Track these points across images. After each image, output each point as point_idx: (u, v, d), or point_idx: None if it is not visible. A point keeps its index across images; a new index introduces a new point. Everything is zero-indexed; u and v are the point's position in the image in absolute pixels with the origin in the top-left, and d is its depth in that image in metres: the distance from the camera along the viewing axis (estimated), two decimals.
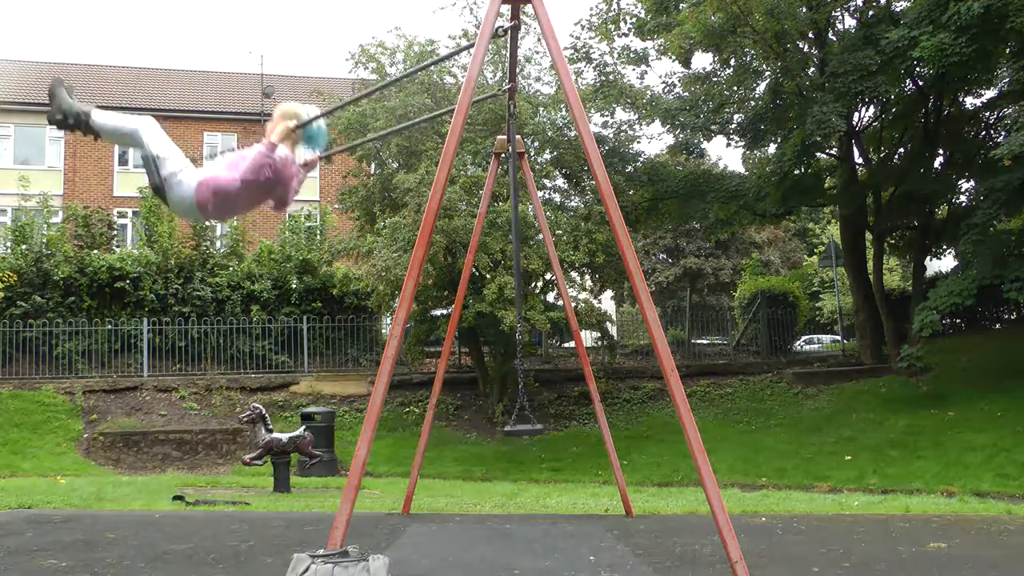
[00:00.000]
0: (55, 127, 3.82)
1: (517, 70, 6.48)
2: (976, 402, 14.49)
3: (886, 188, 19.06)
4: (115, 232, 22.25)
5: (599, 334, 18.57)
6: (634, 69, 19.94)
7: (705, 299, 31.44)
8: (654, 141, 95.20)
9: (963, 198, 19.33)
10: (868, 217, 19.49)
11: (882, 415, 15.21)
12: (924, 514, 7.16)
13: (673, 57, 18.75)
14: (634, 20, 19.10)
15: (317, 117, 4.06)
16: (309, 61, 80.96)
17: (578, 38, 19.21)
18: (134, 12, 77.32)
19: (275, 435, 9.97)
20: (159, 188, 3.81)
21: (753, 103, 18.97)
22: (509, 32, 5.22)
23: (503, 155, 7.14)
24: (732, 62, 19.01)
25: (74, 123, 3.76)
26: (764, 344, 22.18)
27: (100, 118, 3.80)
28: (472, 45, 4.65)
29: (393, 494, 9.65)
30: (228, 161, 3.91)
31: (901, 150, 19.93)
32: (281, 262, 20.18)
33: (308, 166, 4.20)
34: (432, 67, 17.25)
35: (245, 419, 10.14)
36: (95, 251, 19.62)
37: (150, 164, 3.77)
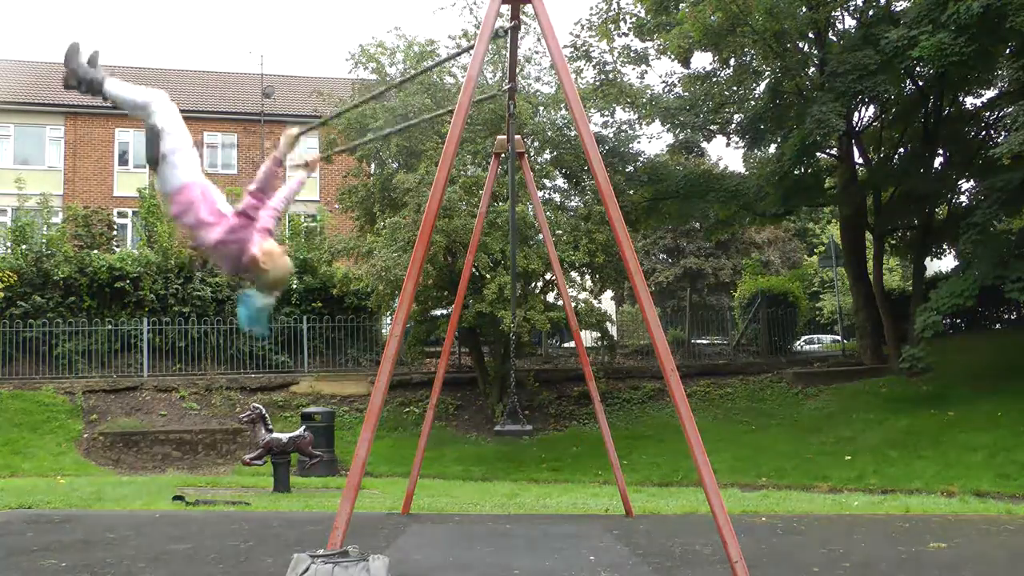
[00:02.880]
0: (70, 89, 3.83)
1: (517, 70, 6.48)
2: (976, 402, 14.47)
3: (886, 188, 19.05)
4: (115, 232, 22.27)
5: (599, 334, 18.57)
6: (634, 69, 19.95)
7: (705, 299, 31.43)
8: (654, 141, 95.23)
9: (963, 198, 19.34)
10: (868, 217, 19.48)
11: (882, 415, 15.21)
12: (924, 514, 7.16)
13: (672, 57, 18.74)
14: (634, 20, 19.09)
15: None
16: (309, 61, 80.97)
17: (578, 36, 19.22)
18: (135, 12, 77.33)
19: (275, 435, 9.97)
20: (154, 161, 3.79)
21: (753, 103, 18.96)
22: (509, 32, 5.22)
23: (503, 155, 7.14)
24: (732, 62, 19.01)
25: (87, 89, 3.78)
26: (764, 344, 22.18)
27: (113, 87, 3.83)
28: (472, 46, 4.65)
29: (393, 494, 9.65)
30: (218, 206, 3.82)
31: (901, 150, 19.91)
32: None
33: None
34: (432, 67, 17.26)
35: (245, 419, 10.14)
36: (95, 251, 19.63)
37: (153, 136, 3.77)
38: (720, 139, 19.70)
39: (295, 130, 4.14)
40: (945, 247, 20.72)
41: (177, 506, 8.20)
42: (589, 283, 20.29)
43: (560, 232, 16.43)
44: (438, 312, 17.48)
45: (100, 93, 3.82)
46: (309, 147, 29.03)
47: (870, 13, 17.37)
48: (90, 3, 77.04)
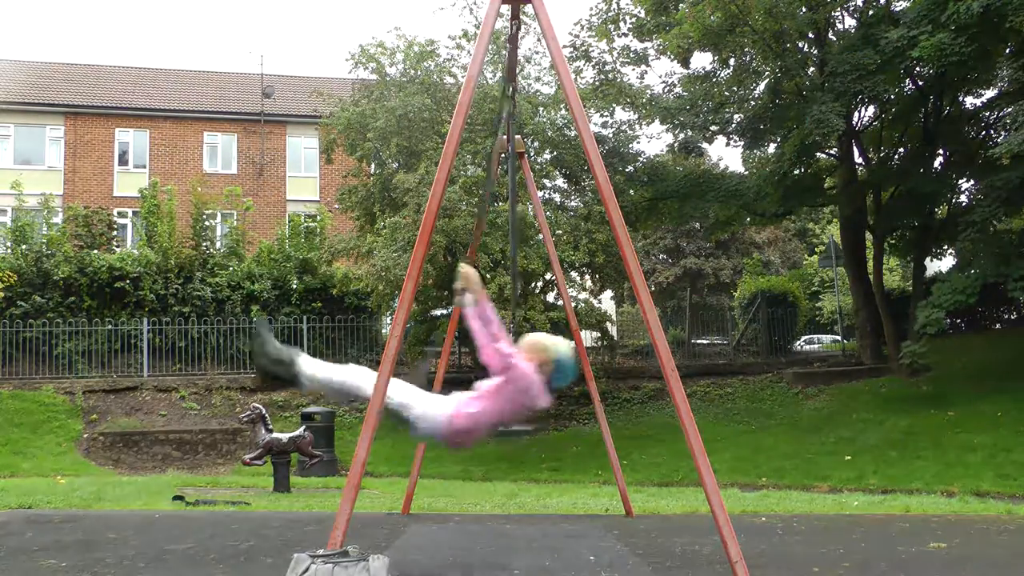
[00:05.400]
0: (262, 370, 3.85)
1: (517, 70, 6.48)
2: (976, 402, 14.47)
3: (886, 188, 19.04)
4: (115, 232, 22.26)
5: (599, 334, 18.57)
6: (634, 69, 19.95)
7: (705, 299, 31.43)
8: (654, 141, 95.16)
9: (963, 198, 19.33)
10: (868, 217, 19.48)
11: (882, 415, 15.20)
12: (924, 514, 7.15)
13: (672, 57, 18.75)
14: (633, 20, 19.09)
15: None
16: (309, 61, 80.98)
17: (577, 36, 19.22)
18: (134, 12, 77.33)
19: (275, 435, 9.96)
20: (414, 428, 3.84)
21: (753, 103, 18.96)
22: (509, 32, 5.22)
23: (503, 155, 7.13)
24: (731, 62, 19.01)
25: (284, 374, 3.76)
26: (764, 344, 22.18)
27: (311, 372, 3.82)
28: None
29: (393, 494, 9.65)
30: (482, 391, 3.83)
31: (901, 150, 19.91)
32: (281, 262, 20.17)
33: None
34: (432, 67, 17.28)
35: (245, 419, 10.13)
36: (95, 251, 19.64)
37: (395, 414, 3.79)
38: (720, 139, 19.67)
39: (470, 269, 3.93)
40: (945, 247, 20.72)
41: (177, 506, 8.19)
42: (589, 283, 20.30)
43: (560, 232, 16.44)
44: (438, 312, 17.48)
45: (298, 378, 3.80)
46: (308, 147, 29.08)
47: (870, 13, 17.36)
48: (90, 3, 77.04)
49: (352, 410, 17.05)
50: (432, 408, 3.85)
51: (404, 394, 3.86)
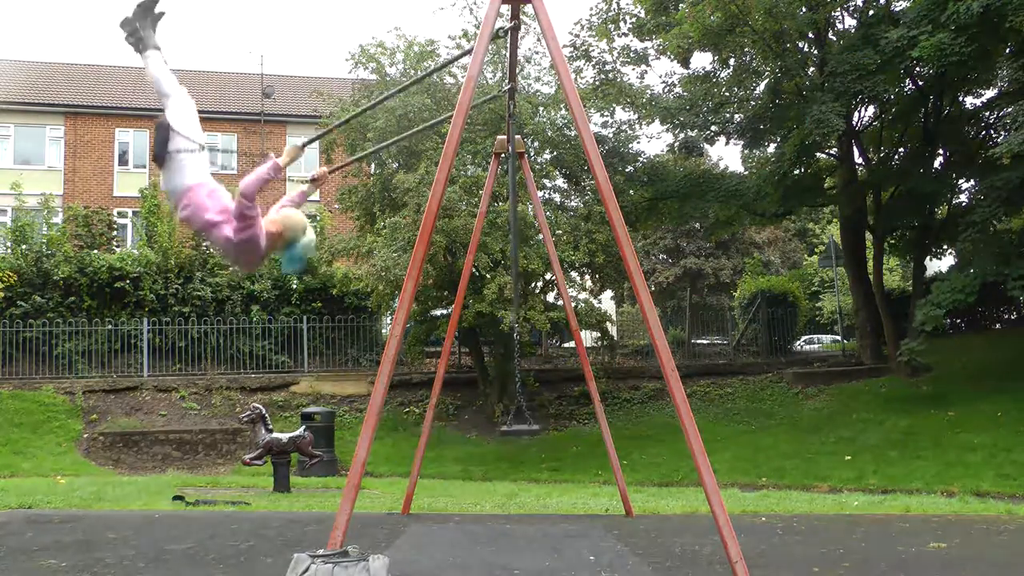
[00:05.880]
0: (123, 29, 3.98)
1: (517, 70, 6.48)
2: (976, 402, 14.47)
3: (886, 188, 19.04)
4: (115, 232, 22.25)
5: (599, 334, 18.57)
6: (634, 69, 19.95)
7: (705, 299, 31.42)
8: (654, 141, 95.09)
9: (963, 198, 19.34)
10: (868, 217, 19.48)
11: (882, 415, 15.20)
12: (924, 514, 7.16)
13: (672, 57, 18.75)
14: (633, 20, 19.09)
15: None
16: (309, 61, 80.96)
17: (577, 36, 19.22)
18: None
19: (275, 435, 9.96)
20: (160, 159, 3.77)
21: (753, 103, 18.96)
22: (509, 32, 5.22)
23: (503, 155, 7.14)
24: (731, 62, 19.01)
25: (133, 42, 3.99)
26: (764, 344, 22.18)
27: (153, 60, 4.03)
28: (472, 46, 4.64)
29: (393, 494, 9.65)
30: (226, 204, 3.76)
31: (901, 150, 19.91)
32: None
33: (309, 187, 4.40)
34: (432, 67, 17.25)
35: (245, 419, 10.13)
36: (95, 251, 19.62)
37: (163, 131, 3.77)
38: (720, 139, 19.67)
39: (300, 142, 4.12)
40: (945, 247, 20.72)
41: (177, 506, 8.19)
42: (589, 283, 20.30)
43: (560, 232, 16.43)
44: (438, 312, 17.48)
45: (140, 54, 3.97)
46: (308, 147, 29.08)
47: (870, 13, 17.37)
48: (90, 3, 77.03)
49: (352, 410, 17.06)
50: (195, 170, 3.75)
51: (184, 125, 3.83)
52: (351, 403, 17.36)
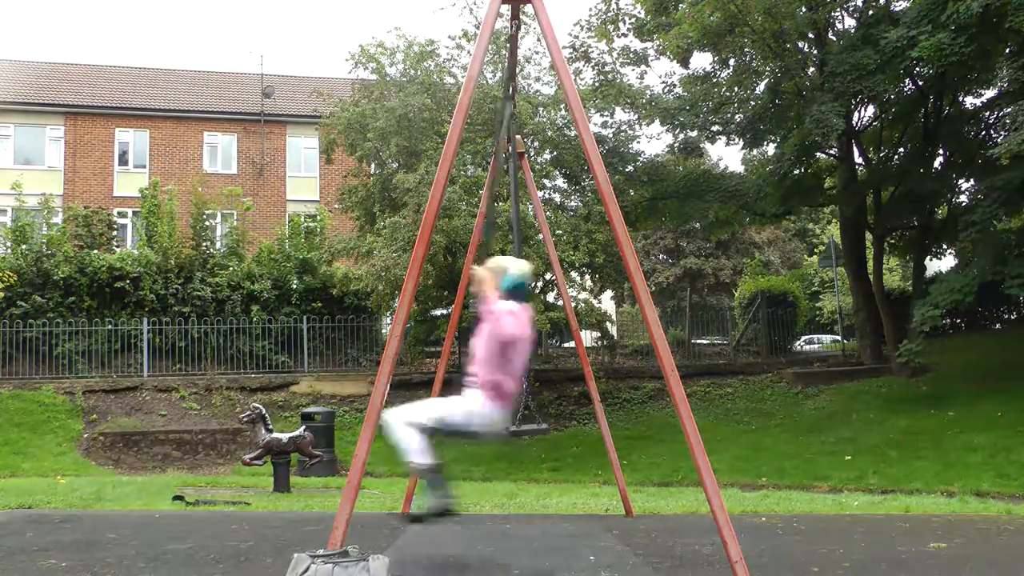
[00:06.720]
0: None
1: (517, 70, 6.48)
2: (976, 402, 14.47)
3: (886, 188, 19.04)
4: (115, 232, 22.25)
5: (599, 334, 18.57)
6: (633, 69, 19.94)
7: (705, 299, 31.45)
8: (654, 141, 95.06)
9: (963, 198, 19.34)
10: (868, 217, 19.48)
11: (882, 415, 15.20)
12: (924, 514, 7.16)
13: (672, 57, 18.74)
14: (633, 21, 19.09)
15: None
16: (309, 61, 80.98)
17: (577, 37, 19.22)
18: (134, 12, 77.32)
19: (275, 435, 9.97)
20: (471, 436, 4.28)
21: (753, 103, 18.96)
22: (509, 32, 5.22)
23: (503, 155, 7.13)
24: (731, 62, 19.00)
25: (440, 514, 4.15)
26: (764, 344, 22.18)
27: (416, 459, 4.22)
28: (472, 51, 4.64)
29: (393, 494, 9.65)
30: (476, 354, 4.20)
31: (901, 150, 19.91)
32: (281, 262, 20.17)
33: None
34: (432, 67, 17.28)
35: (245, 419, 10.14)
36: (95, 251, 19.62)
37: (458, 432, 4.22)
38: (720, 139, 19.67)
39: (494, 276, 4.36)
40: (945, 247, 20.72)
41: (177, 506, 8.19)
42: (589, 283, 20.29)
43: (560, 232, 16.43)
44: (438, 312, 17.47)
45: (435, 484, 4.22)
46: (308, 147, 29.09)
47: (870, 13, 17.37)
48: (90, 3, 77.04)
49: (352, 410, 17.04)
50: (472, 406, 4.15)
51: (454, 413, 4.21)
52: (351, 403, 17.35)
